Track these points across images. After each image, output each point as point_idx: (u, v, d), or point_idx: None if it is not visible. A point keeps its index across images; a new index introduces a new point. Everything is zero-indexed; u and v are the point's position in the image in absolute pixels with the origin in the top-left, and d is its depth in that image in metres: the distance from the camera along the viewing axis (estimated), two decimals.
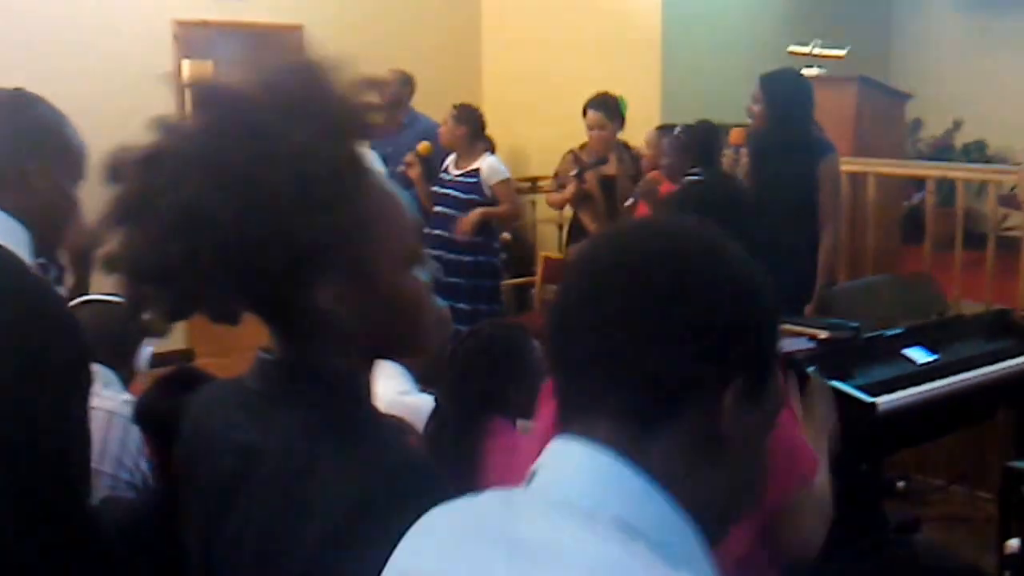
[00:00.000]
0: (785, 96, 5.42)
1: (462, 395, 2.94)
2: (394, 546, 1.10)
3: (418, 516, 1.12)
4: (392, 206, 1.38)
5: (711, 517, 1.03)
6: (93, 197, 1.67)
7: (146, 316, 1.36)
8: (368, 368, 1.42)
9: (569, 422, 1.05)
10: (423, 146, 6.82)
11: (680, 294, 1.01)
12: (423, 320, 1.42)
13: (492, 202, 6.47)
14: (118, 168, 1.38)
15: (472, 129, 6.56)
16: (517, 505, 1.03)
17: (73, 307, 2.67)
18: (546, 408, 2.36)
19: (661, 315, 1.00)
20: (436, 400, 3.06)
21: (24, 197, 2.06)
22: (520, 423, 3.02)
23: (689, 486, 1.01)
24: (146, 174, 1.33)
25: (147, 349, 2.95)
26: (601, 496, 0.98)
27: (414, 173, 6.74)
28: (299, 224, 1.25)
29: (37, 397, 1.87)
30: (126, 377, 2.90)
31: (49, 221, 2.12)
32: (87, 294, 3.20)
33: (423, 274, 1.41)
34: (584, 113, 6.60)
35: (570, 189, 6.45)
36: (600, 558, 0.93)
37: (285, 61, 1.40)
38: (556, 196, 6.68)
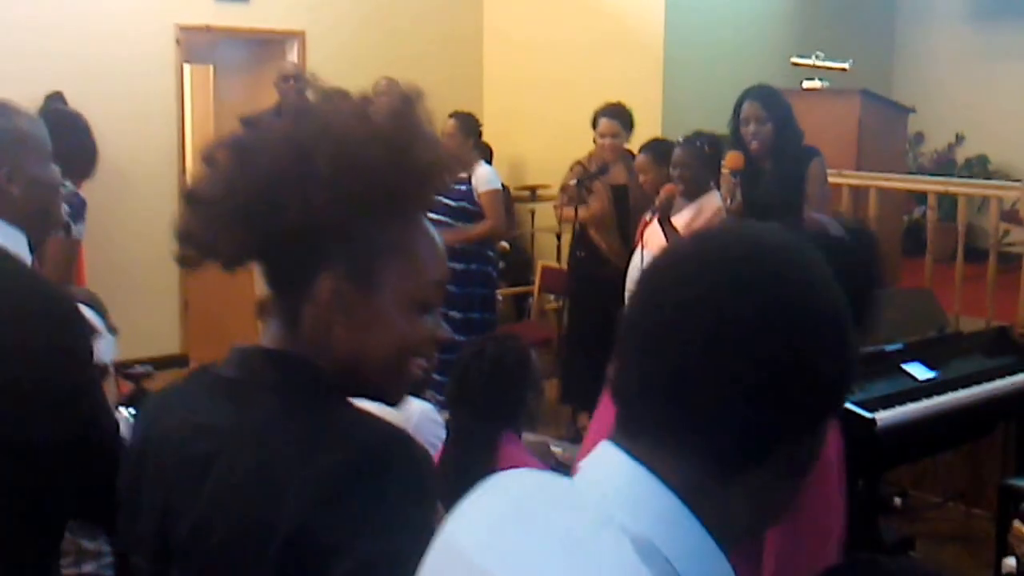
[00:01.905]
0: (784, 108, 5.39)
1: (478, 414, 2.98)
2: (377, 508, 1.12)
3: (401, 486, 1.16)
4: (425, 249, 1.41)
5: (740, 536, 1.01)
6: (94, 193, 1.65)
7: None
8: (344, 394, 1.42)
9: (630, 440, 1.00)
10: None
11: (783, 340, 0.95)
12: (395, 366, 1.41)
13: (481, 211, 6.43)
14: (210, 153, 1.44)
15: (468, 136, 6.53)
16: (564, 498, 1.01)
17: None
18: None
19: (752, 364, 0.95)
20: (450, 418, 3.11)
21: (7, 203, 2.10)
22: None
23: (742, 522, 1.00)
24: (233, 160, 1.40)
25: (100, 342, 2.90)
26: (644, 520, 0.95)
27: None
28: (328, 199, 1.32)
29: (52, 390, 1.93)
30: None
31: (36, 213, 2.17)
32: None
33: (430, 324, 1.43)
34: (595, 123, 6.56)
35: (596, 206, 6.34)
36: None
37: (385, 92, 1.45)
38: (568, 211, 6.51)
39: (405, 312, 1.38)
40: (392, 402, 1.47)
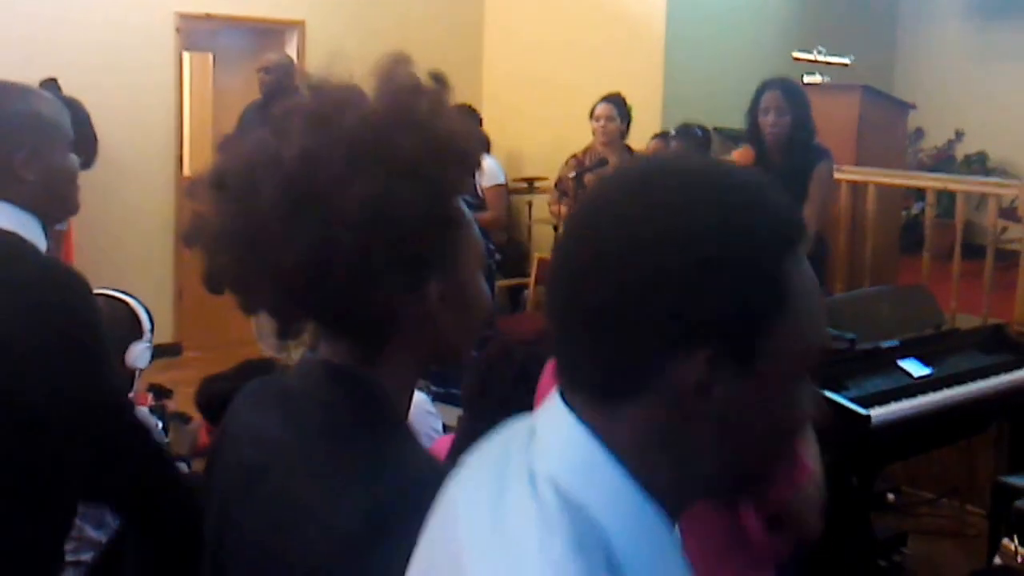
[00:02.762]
0: (804, 103, 5.42)
1: (494, 419, 2.87)
2: (403, 559, 1.07)
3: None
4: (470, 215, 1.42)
5: (673, 496, 0.96)
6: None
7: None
8: (416, 380, 1.43)
9: (562, 387, 1.01)
10: None
11: (641, 246, 0.92)
12: (476, 327, 1.44)
13: (483, 203, 6.46)
14: (224, 144, 1.43)
15: None
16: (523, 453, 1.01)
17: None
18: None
19: (621, 284, 0.92)
20: (466, 422, 2.99)
21: (22, 188, 2.10)
22: None
23: (658, 467, 0.95)
24: (250, 153, 1.34)
25: (141, 345, 2.92)
26: (580, 486, 0.94)
27: None
28: (417, 227, 1.28)
29: (66, 371, 1.98)
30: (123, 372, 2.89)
31: (53, 200, 2.18)
32: None
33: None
34: (592, 112, 6.60)
35: None
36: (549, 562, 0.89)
37: (410, 80, 1.42)
38: (561, 207, 6.51)
39: (478, 275, 1.41)
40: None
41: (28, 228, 2.09)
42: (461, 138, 1.36)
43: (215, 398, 3.35)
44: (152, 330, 2.97)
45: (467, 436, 2.96)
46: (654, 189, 0.96)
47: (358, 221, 1.24)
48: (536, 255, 7.96)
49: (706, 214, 0.93)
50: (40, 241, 2.11)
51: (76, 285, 2.07)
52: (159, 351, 3.18)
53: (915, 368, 4.39)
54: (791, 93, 5.38)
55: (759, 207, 0.95)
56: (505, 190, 6.66)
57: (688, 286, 0.91)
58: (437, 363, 1.44)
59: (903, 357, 4.41)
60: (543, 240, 8.11)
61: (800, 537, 2.19)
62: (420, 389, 3.45)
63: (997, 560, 2.81)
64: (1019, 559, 2.28)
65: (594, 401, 0.96)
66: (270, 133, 1.33)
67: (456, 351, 1.43)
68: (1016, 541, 2.34)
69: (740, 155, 5.37)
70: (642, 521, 0.94)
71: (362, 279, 1.27)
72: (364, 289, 1.28)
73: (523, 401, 2.83)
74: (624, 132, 6.65)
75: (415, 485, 1.23)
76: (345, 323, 1.34)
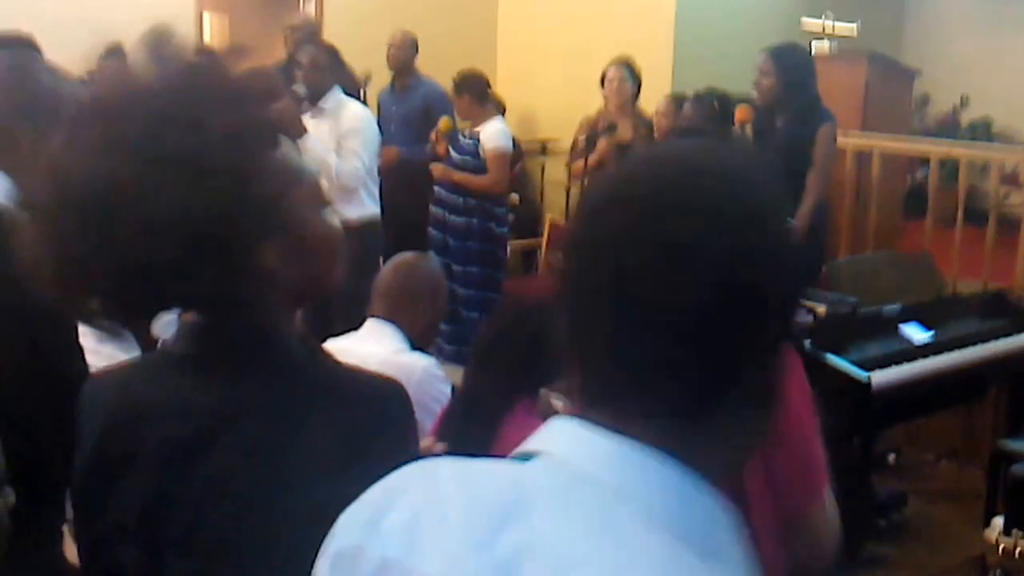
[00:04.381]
0: (796, 67, 5.49)
1: (499, 382, 2.78)
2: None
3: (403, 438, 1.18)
4: (294, 160, 1.40)
5: (720, 472, 0.93)
6: None
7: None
8: (290, 319, 1.43)
9: (589, 408, 0.92)
10: (444, 122, 6.70)
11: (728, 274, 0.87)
12: (336, 259, 1.45)
13: (486, 167, 6.50)
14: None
15: (475, 95, 6.56)
16: (535, 487, 0.90)
17: None
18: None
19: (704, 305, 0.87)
20: (466, 376, 2.94)
21: (14, 158, 2.06)
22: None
23: (720, 460, 0.92)
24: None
25: (168, 316, 2.94)
26: (634, 487, 0.87)
27: (440, 149, 6.64)
28: (236, 195, 1.25)
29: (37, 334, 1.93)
30: (143, 339, 2.90)
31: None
32: None
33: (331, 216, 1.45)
34: (603, 76, 6.67)
35: (593, 161, 6.36)
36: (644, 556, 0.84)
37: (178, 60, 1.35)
38: (579, 164, 6.55)
39: (317, 217, 1.42)
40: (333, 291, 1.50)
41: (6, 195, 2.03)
42: (251, 91, 1.33)
43: None
44: None
45: (466, 395, 2.88)
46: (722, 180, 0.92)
47: (177, 230, 1.22)
48: (548, 216, 8.02)
49: (773, 213, 0.93)
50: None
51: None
52: None
53: (916, 332, 4.46)
54: (779, 57, 5.46)
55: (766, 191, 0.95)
56: (508, 155, 6.61)
57: (785, 290, 0.92)
58: (305, 300, 1.46)
59: (904, 321, 4.48)
60: (556, 202, 8.17)
61: (810, 558, 2.07)
62: (429, 353, 3.45)
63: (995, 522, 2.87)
64: (1000, 550, 2.26)
65: (667, 423, 0.89)
66: (63, 147, 1.29)
67: (318, 289, 1.44)
68: (1002, 523, 2.36)
69: (740, 110, 5.50)
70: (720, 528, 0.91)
71: (190, 276, 1.25)
72: (186, 285, 1.27)
73: (529, 367, 2.74)
74: (635, 95, 6.72)
75: (377, 398, 1.34)
76: (198, 308, 1.36)
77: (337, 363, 1.40)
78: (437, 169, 6.55)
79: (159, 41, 1.34)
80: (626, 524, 0.85)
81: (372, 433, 1.31)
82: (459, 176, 6.45)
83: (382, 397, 1.38)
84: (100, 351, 2.51)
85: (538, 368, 2.69)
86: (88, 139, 1.25)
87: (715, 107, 5.65)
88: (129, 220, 1.21)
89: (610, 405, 0.90)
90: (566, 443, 0.92)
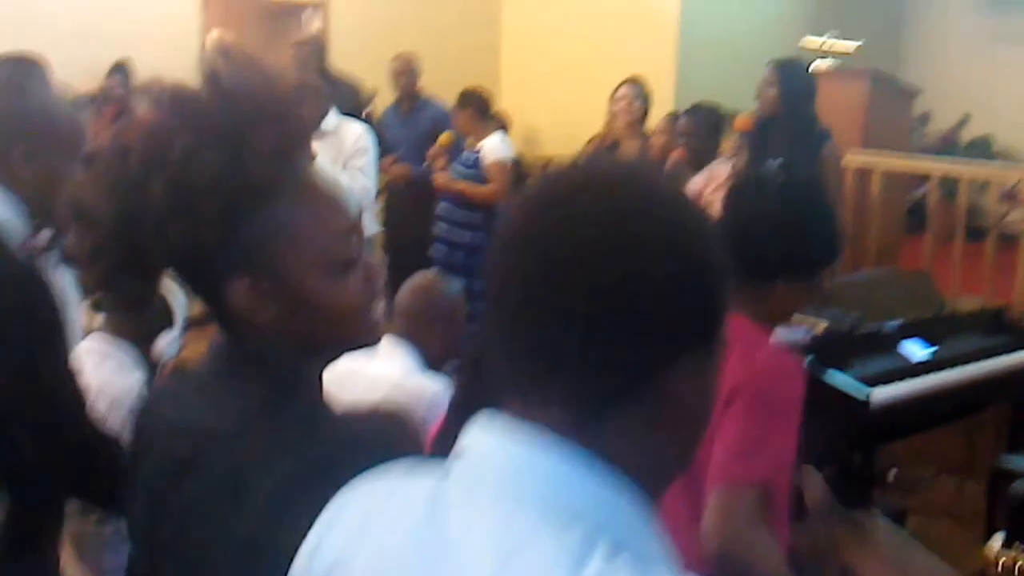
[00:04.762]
0: (799, 84, 5.53)
1: (497, 389, 2.76)
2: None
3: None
4: (323, 210, 1.34)
5: (654, 483, 0.98)
6: None
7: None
8: (312, 361, 1.40)
9: (508, 405, 0.99)
10: (445, 137, 6.73)
11: (627, 274, 0.92)
12: (347, 325, 1.38)
13: (484, 178, 6.51)
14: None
15: (476, 109, 6.58)
16: (454, 493, 0.99)
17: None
18: None
19: (605, 301, 0.92)
20: (459, 388, 2.95)
21: (9, 177, 2.10)
22: None
23: (639, 460, 0.95)
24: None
25: (169, 336, 2.94)
26: (567, 495, 0.92)
27: (440, 164, 6.66)
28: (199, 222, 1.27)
29: (10, 358, 1.95)
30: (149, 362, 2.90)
31: (36, 198, 2.14)
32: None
33: (359, 278, 1.38)
34: (614, 94, 6.68)
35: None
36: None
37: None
38: None
39: (321, 278, 1.34)
40: (368, 343, 1.44)
41: (10, 211, 2.09)
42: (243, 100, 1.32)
43: None
44: (185, 322, 2.99)
45: (460, 401, 2.87)
46: (625, 194, 0.97)
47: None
48: None
49: (694, 221, 0.98)
50: (18, 233, 2.11)
51: (32, 284, 2.04)
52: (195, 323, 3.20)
53: (916, 349, 4.47)
54: (784, 70, 5.52)
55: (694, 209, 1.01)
56: (509, 167, 6.62)
57: (690, 288, 0.95)
58: (318, 354, 1.40)
59: (904, 338, 4.49)
60: None
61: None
62: (445, 375, 3.40)
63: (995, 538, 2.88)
64: (1000, 566, 2.26)
65: (573, 414, 0.95)
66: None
67: (319, 348, 1.39)
68: (1003, 537, 2.36)
69: (740, 120, 5.53)
70: (640, 521, 0.96)
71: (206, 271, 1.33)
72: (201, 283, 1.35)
73: None
74: (644, 116, 6.72)
75: (331, 446, 1.32)
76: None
77: (321, 411, 1.40)
78: (439, 178, 6.55)
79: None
80: (500, 507, 0.93)
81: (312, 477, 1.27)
82: (462, 184, 6.45)
83: (329, 448, 1.34)
84: (100, 369, 2.52)
85: None
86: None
87: (709, 120, 5.70)
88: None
89: (517, 397, 0.98)
90: (476, 440, 1.01)
